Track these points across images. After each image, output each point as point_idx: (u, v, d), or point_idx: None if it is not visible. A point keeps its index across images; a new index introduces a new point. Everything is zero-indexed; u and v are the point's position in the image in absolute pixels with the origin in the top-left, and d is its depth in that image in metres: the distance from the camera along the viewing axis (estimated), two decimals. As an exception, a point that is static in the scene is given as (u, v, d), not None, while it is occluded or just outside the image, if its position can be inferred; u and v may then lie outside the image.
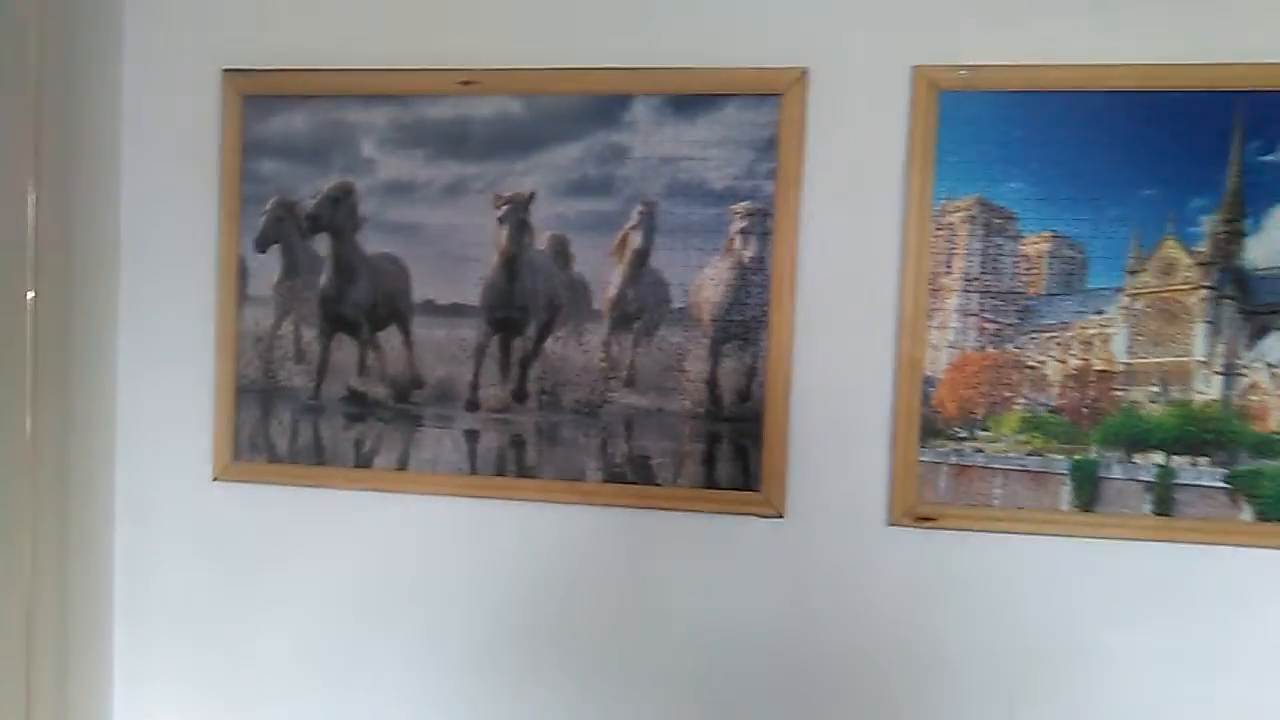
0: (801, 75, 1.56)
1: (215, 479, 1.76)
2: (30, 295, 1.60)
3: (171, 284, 1.77)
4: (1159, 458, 1.52)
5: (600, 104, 1.62)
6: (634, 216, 1.62)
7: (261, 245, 1.73)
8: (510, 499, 1.69)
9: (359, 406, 1.72)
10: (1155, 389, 1.52)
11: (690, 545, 1.65)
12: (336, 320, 1.72)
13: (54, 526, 1.66)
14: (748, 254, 1.60)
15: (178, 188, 1.75)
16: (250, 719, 1.78)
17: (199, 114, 1.73)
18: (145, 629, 1.80)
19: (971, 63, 1.52)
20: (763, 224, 1.59)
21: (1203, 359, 1.50)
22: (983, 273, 1.55)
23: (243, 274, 1.74)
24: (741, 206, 1.59)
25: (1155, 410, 1.52)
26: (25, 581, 1.60)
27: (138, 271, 1.78)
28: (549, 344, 1.67)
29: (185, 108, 1.74)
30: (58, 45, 1.62)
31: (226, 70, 1.71)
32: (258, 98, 1.71)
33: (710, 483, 1.63)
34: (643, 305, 1.64)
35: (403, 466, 1.71)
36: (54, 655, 1.68)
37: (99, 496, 1.77)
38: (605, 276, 1.64)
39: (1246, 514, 1.50)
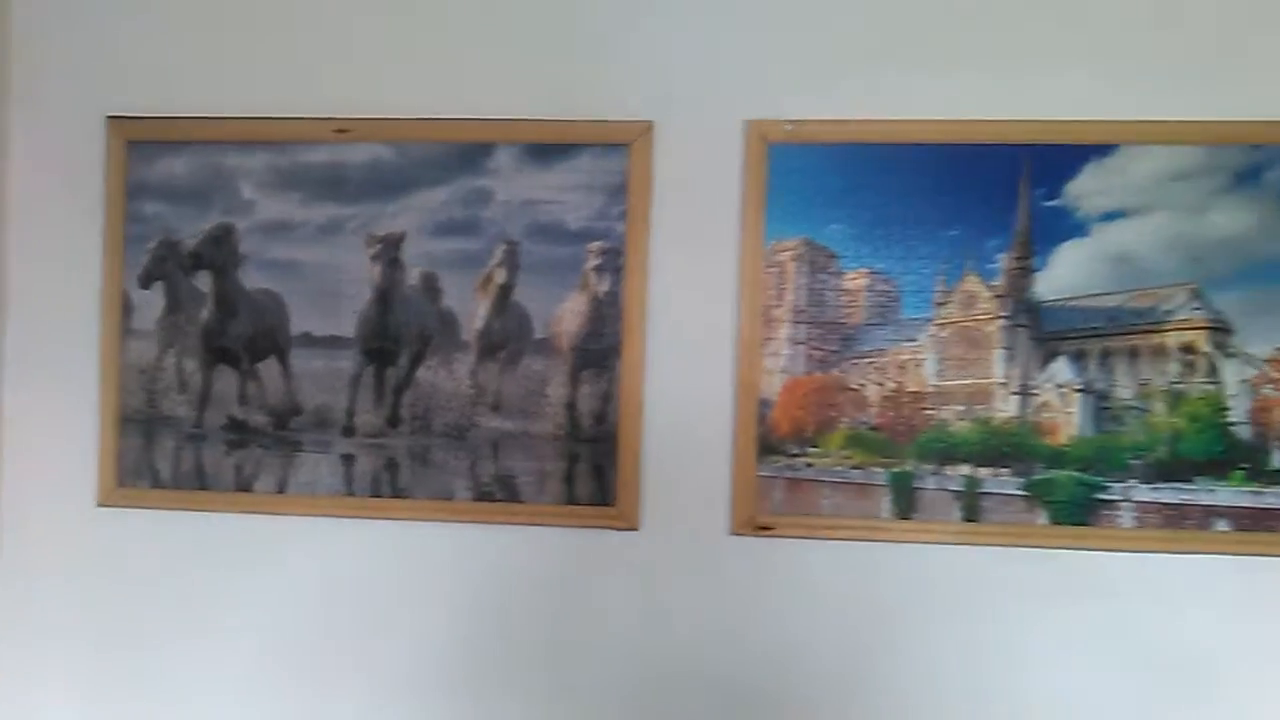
0: (647, 127, 1.72)
1: (100, 504, 1.83)
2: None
3: (58, 319, 1.84)
4: (966, 469, 1.70)
5: (465, 151, 1.76)
6: (498, 255, 1.76)
7: (145, 282, 1.82)
8: (385, 519, 1.80)
9: (240, 433, 1.82)
10: (961, 408, 1.70)
11: (553, 557, 1.78)
12: (218, 352, 1.82)
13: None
14: (602, 289, 1.74)
15: (64, 228, 1.83)
16: (135, 736, 1.84)
17: (84, 158, 1.82)
18: (25, 649, 1.86)
19: (797, 118, 1.69)
20: (615, 261, 1.74)
21: (1001, 381, 1.69)
22: (809, 305, 1.72)
23: (127, 309, 1.82)
24: (596, 246, 1.74)
25: (962, 427, 1.70)
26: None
27: (24, 307, 1.85)
28: (420, 372, 1.79)
29: (71, 152, 1.82)
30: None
31: (110, 117, 1.81)
32: (141, 143, 1.81)
33: (571, 499, 1.77)
34: (507, 336, 1.77)
35: (282, 490, 1.81)
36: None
37: (-16, 524, 1.83)
38: (472, 310, 1.77)
39: (1042, 518, 1.69)
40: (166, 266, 1.82)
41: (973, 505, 1.70)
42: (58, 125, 1.83)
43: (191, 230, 1.81)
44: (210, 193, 1.80)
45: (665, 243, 1.73)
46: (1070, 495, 1.68)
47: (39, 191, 1.84)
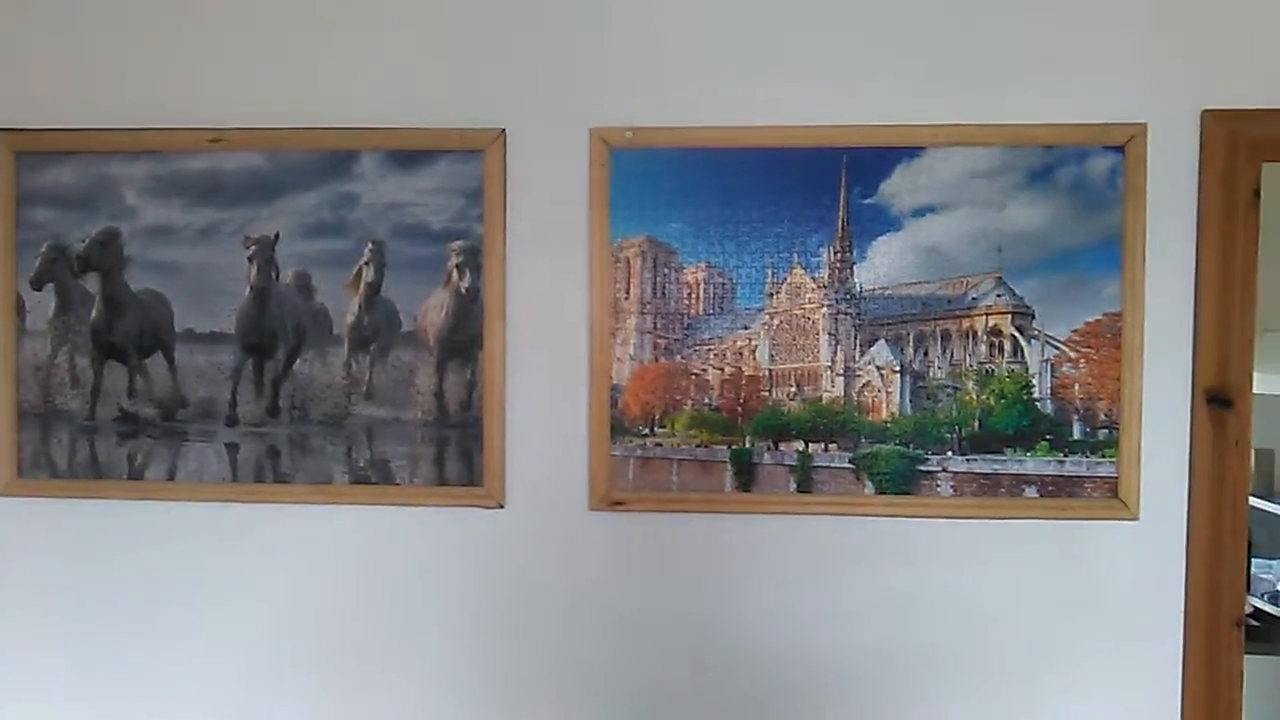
0: (500, 135, 1.85)
1: (1, 495, 1.95)
2: None
3: (-45, 320, 1.95)
4: (799, 445, 1.86)
5: (333, 158, 1.89)
6: (366, 254, 1.89)
7: (37, 284, 1.93)
8: (269, 503, 1.93)
9: (130, 425, 1.94)
10: (792, 389, 1.86)
11: (427, 535, 1.92)
12: (107, 349, 1.94)
13: None
14: (464, 285, 1.88)
15: (-43, 233, 1.94)
16: (44, 706, 1.97)
17: (-25, 167, 1.93)
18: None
19: (637, 125, 1.83)
20: (475, 259, 1.87)
21: (828, 364, 1.85)
22: (654, 297, 1.86)
23: (20, 310, 1.94)
24: (457, 245, 1.88)
25: (794, 407, 1.86)
26: None
27: (-78, 309, 1.96)
28: (297, 365, 1.92)
29: (-38, 162, 1.93)
30: None
31: (0, 129, 1.92)
32: (29, 153, 1.92)
33: (442, 480, 1.91)
34: (377, 330, 1.90)
35: (171, 477, 1.94)
36: None
37: (-111, 515, 1.95)
38: (343, 306, 1.90)
39: (869, 489, 1.85)
40: (56, 269, 1.93)
41: (806, 478, 1.85)
42: (-51, 137, 1.94)
43: (79, 235, 1.92)
44: (96, 199, 1.92)
45: (521, 241, 1.87)
46: (893, 467, 1.84)
47: (-66, 200, 1.95)
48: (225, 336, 1.92)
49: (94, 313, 1.94)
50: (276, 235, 1.90)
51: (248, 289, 1.91)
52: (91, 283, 1.93)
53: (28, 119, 1.92)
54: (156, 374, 1.94)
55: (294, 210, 1.89)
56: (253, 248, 1.90)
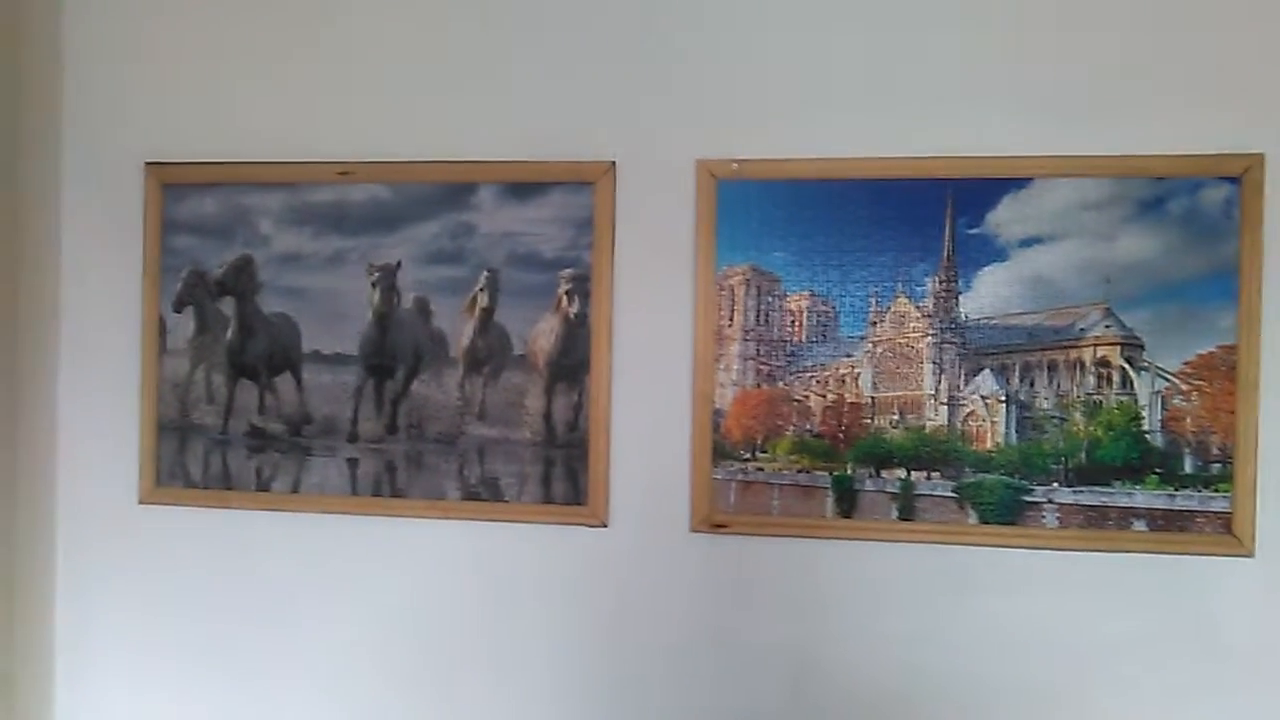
0: (610, 167, 1.93)
1: (140, 502, 2.10)
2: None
3: (104, 339, 2.11)
4: (901, 473, 1.87)
5: (452, 190, 1.98)
6: (481, 281, 1.98)
7: (178, 307, 2.08)
8: (385, 515, 2.03)
9: (259, 439, 2.07)
10: (895, 417, 1.88)
11: (532, 550, 1.99)
12: (240, 368, 2.07)
13: (2, 545, 2.00)
14: (573, 311, 1.95)
15: (109, 259, 2.10)
16: (184, 694, 2.10)
17: (126, 199, 2.09)
18: (84, 626, 2.13)
19: (743, 157, 1.88)
20: (584, 286, 1.94)
21: (931, 393, 1.86)
22: (757, 324, 1.91)
23: (163, 331, 2.09)
24: (567, 272, 1.95)
25: (896, 434, 1.87)
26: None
27: (75, 328, 2.12)
28: (415, 385, 2.02)
29: (115, 193, 2.09)
30: (4, 137, 1.97)
31: (149, 163, 2.07)
32: (174, 185, 2.07)
33: (548, 499, 1.98)
34: (490, 353, 1.99)
35: (296, 489, 2.05)
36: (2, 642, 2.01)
37: (42, 517, 2.11)
38: (459, 330, 2.00)
39: (972, 518, 1.85)
40: (196, 293, 2.07)
41: (908, 505, 1.87)
42: (104, 170, 2.10)
43: (217, 261, 2.06)
44: (233, 228, 2.05)
45: (627, 269, 1.94)
46: (998, 497, 1.84)
47: (88, 228, 2.11)
48: (349, 358, 2.03)
49: (229, 334, 2.07)
50: (398, 263, 2.00)
51: (370, 313, 2.02)
52: (227, 306, 2.07)
53: (174, 154, 2.07)
54: (285, 392, 2.06)
55: (415, 239, 2.00)
56: (376, 274, 2.01)
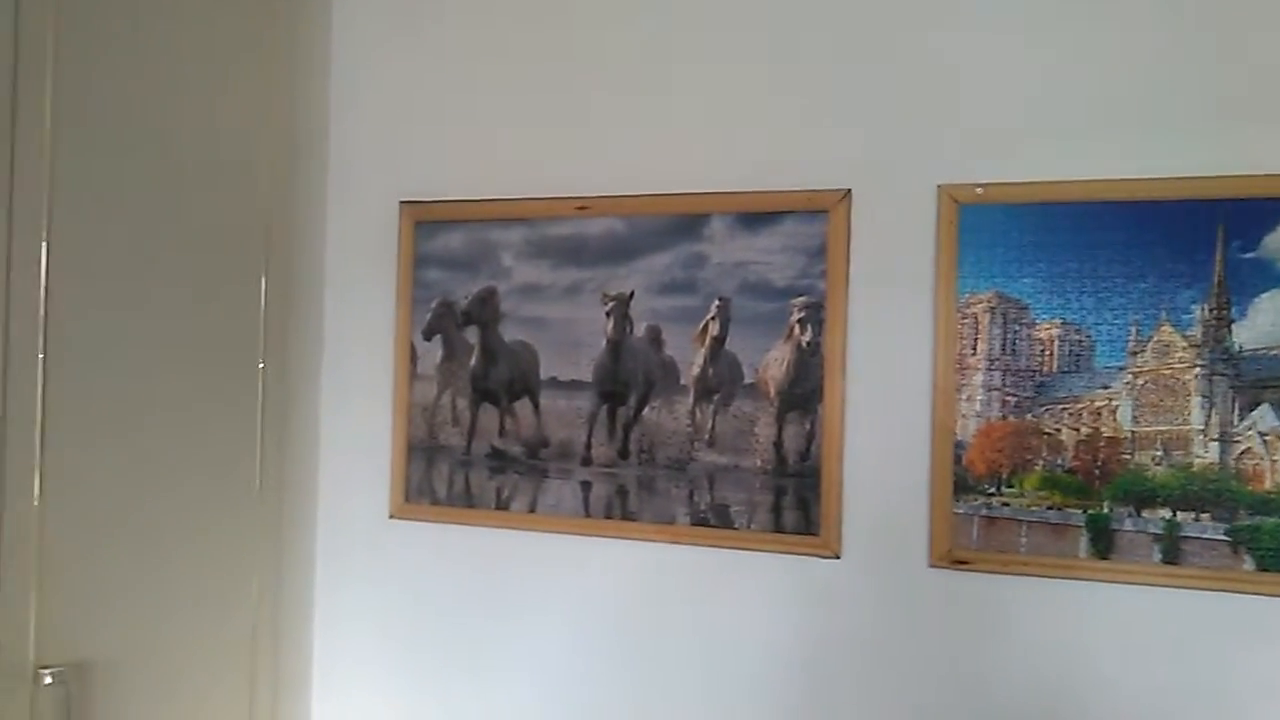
0: (845, 195, 1.91)
1: (391, 517, 2.25)
2: (260, 365, 2.13)
3: (362, 365, 2.28)
4: (1165, 513, 1.75)
5: (685, 221, 2.03)
6: (712, 310, 2.01)
7: (428, 335, 2.22)
8: (616, 538, 2.08)
9: (500, 461, 2.17)
10: (1158, 453, 1.76)
11: (762, 579, 1.99)
12: (483, 393, 2.19)
13: (271, 555, 2.19)
14: (805, 339, 1.95)
15: (366, 291, 2.28)
16: (424, 695, 2.24)
17: (382, 234, 2.26)
18: (339, 632, 2.30)
19: (986, 181, 1.83)
20: (817, 315, 1.94)
21: (1200, 428, 1.73)
22: (1003, 353, 1.84)
23: (413, 357, 2.23)
24: (799, 301, 1.95)
25: (1159, 471, 1.75)
26: (252, 600, 2.13)
27: (337, 355, 2.31)
28: (646, 412, 2.07)
29: (372, 229, 2.27)
30: (280, 181, 2.18)
31: (403, 201, 2.23)
32: (425, 222, 2.22)
33: (778, 527, 1.98)
34: (720, 381, 2.01)
35: (532, 509, 2.15)
36: (268, 657, 2.19)
37: (305, 530, 2.30)
38: (690, 358, 2.03)
39: (1248, 564, 1.71)
40: (444, 322, 2.21)
41: (1173, 548, 1.74)
42: (363, 209, 2.28)
43: (463, 292, 2.19)
44: (478, 262, 2.18)
45: (863, 298, 1.91)
46: (1279, 542, 1.69)
47: (348, 262, 2.30)
48: (584, 384, 2.10)
49: (473, 361, 2.19)
50: (632, 293, 2.06)
51: (604, 341, 2.08)
52: (472, 334, 2.19)
53: (425, 192, 2.22)
54: (524, 416, 2.15)
55: (648, 269, 2.05)
56: (610, 304, 2.08)
